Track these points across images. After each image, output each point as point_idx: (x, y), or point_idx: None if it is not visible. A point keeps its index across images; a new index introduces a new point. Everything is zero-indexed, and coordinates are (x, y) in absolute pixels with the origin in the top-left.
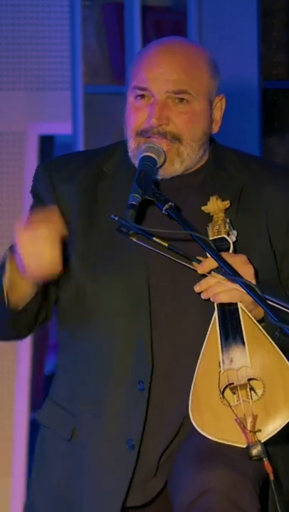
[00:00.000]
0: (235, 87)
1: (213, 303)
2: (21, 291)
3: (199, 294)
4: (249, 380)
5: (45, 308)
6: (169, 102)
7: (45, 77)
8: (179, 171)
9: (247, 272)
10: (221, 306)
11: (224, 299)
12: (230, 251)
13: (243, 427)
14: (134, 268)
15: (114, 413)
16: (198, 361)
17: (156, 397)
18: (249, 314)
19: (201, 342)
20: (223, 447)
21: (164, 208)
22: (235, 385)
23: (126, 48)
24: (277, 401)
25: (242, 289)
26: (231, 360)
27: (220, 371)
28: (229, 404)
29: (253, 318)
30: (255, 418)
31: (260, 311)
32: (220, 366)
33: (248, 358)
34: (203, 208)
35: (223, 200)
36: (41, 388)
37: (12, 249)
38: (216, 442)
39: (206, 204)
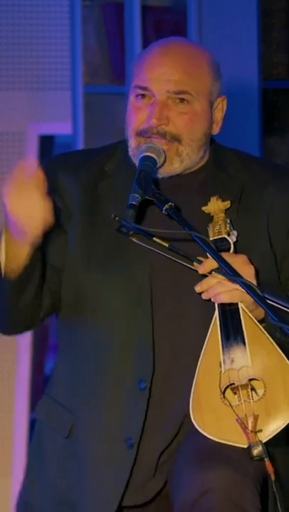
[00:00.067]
0: (235, 87)
1: (214, 303)
2: (18, 257)
3: (200, 294)
4: (250, 380)
5: (49, 294)
6: (170, 102)
7: (45, 77)
8: (178, 170)
9: (248, 272)
10: (222, 306)
11: (225, 299)
12: (231, 251)
13: (244, 427)
14: (136, 268)
15: (114, 412)
16: (199, 361)
17: (157, 397)
18: (250, 314)
19: (201, 342)
20: (223, 447)
21: (164, 208)
22: (236, 385)
23: (126, 48)
24: (278, 401)
25: (243, 289)
26: (232, 361)
27: (221, 371)
28: (230, 404)
29: (253, 318)
30: (256, 418)
31: (260, 312)
32: (221, 366)
33: (249, 358)
34: (203, 208)
35: (223, 201)
36: (41, 388)
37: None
38: (216, 442)
39: (206, 204)
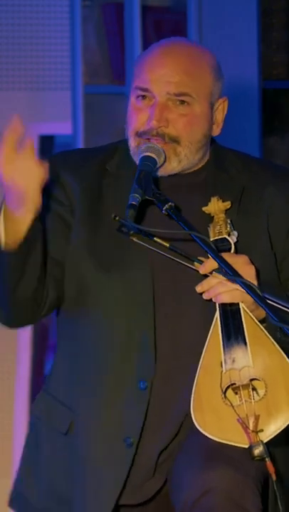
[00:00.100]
0: (235, 87)
1: (214, 303)
2: (18, 229)
3: (200, 294)
4: (251, 380)
5: (54, 286)
6: (170, 103)
7: (45, 77)
8: (176, 170)
9: (248, 272)
10: (223, 306)
11: (226, 299)
12: (232, 251)
13: (246, 427)
14: (138, 268)
15: (114, 411)
16: (200, 361)
17: (157, 397)
18: (251, 314)
19: (201, 342)
20: (225, 447)
21: (163, 208)
22: (237, 385)
23: (126, 48)
24: (279, 401)
25: (243, 289)
26: (233, 361)
27: (222, 371)
28: (231, 404)
29: (254, 318)
30: (257, 418)
31: (261, 312)
32: (222, 366)
33: (250, 358)
34: (204, 208)
35: (223, 201)
36: (41, 388)
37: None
38: (217, 442)
39: (206, 204)
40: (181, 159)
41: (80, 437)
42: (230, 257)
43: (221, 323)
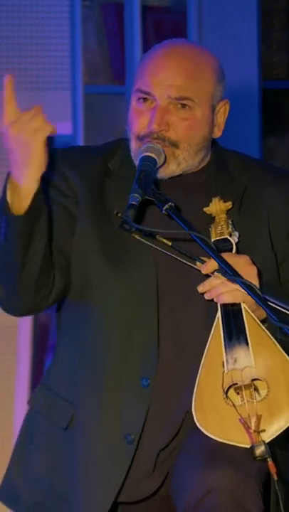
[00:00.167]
0: (235, 87)
1: (216, 303)
2: (21, 195)
3: (202, 294)
4: (253, 380)
5: (61, 274)
6: (171, 107)
7: (45, 77)
8: (176, 172)
9: (250, 273)
10: (225, 306)
11: (228, 299)
12: (233, 252)
13: (247, 427)
14: (142, 268)
15: (115, 407)
16: (202, 361)
17: (159, 395)
18: (252, 315)
19: (203, 342)
20: (226, 447)
21: (163, 208)
22: (239, 385)
23: (126, 48)
24: (281, 401)
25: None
26: (235, 361)
27: (223, 371)
28: (233, 404)
29: (256, 318)
30: (259, 418)
31: (263, 312)
32: (223, 366)
33: (252, 358)
34: (205, 209)
35: (225, 202)
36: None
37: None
38: (219, 442)
39: (207, 205)
40: (180, 162)
41: (80, 432)
42: (231, 258)
43: (222, 324)
